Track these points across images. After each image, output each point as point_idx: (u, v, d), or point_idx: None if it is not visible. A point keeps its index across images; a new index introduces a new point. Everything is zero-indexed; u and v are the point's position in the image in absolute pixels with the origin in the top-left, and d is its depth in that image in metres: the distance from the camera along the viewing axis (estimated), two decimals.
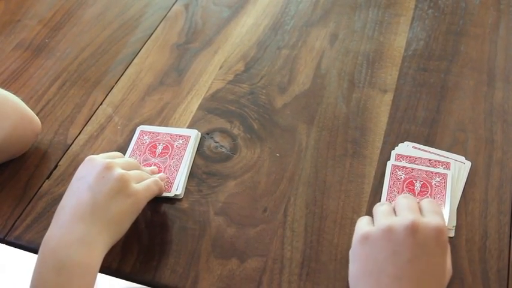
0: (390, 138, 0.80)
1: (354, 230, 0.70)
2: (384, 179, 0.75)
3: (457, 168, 0.75)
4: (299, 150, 0.79)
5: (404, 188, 0.73)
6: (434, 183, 0.73)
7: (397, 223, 0.59)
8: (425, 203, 0.64)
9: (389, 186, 0.74)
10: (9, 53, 0.93)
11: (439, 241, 0.59)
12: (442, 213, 0.63)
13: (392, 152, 0.77)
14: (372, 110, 0.84)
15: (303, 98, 0.86)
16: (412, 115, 0.83)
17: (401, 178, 0.74)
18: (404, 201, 0.63)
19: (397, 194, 0.73)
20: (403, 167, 0.75)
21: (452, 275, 0.66)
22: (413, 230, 0.58)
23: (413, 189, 0.73)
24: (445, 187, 0.73)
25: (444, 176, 0.74)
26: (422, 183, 0.74)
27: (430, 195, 0.72)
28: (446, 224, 0.68)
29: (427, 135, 0.80)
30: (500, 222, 0.71)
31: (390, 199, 0.72)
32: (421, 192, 0.73)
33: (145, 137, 0.80)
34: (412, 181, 0.74)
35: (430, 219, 0.60)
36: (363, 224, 0.63)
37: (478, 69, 0.90)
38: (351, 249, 0.62)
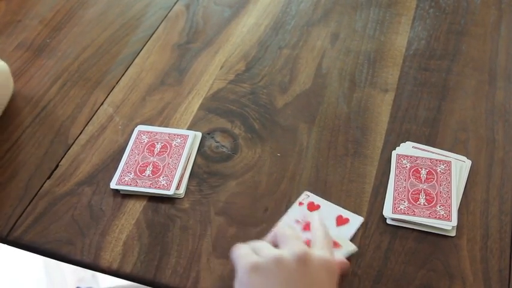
0: (391, 137, 0.80)
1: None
2: (385, 178, 0.75)
3: (458, 168, 0.75)
4: (300, 150, 0.79)
5: (411, 176, 0.74)
6: (440, 171, 0.74)
7: (287, 252, 0.58)
8: (315, 236, 0.63)
9: (396, 175, 0.74)
10: (11, 53, 0.93)
11: (329, 271, 0.59)
12: (330, 247, 0.62)
13: (393, 152, 0.77)
14: (373, 109, 0.84)
15: (304, 97, 0.86)
16: (413, 115, 0.83)
17: (406, 166, 0.75)
18: (290, 232, 0.62)
19: (404, 182, 0.73)
20: (407, 156, 0.76)
21: (454, 274, 0.66)
22: (304, 259, 0.57)
23: (420, 176, 0.74)
24: (450, 174, 0.73)
25: (448, 164, 0.75)
26: (427, 170, 0.74)
27: (436, 182, 0.73)
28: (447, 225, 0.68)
29: (428, 135, 0.80)
30: (501, 222, 0.71)
31: (398, 187, 0.73)
32: (427, 180, 0.73)
33: (144, 137, 0.80)
34: (417, 169, 0.74)
35: (319, 252, 0.59)
36: (246, 254, 0.59)
37: (479, 69, 0.89)
38: (237, 279, 0.58)
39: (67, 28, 0.98)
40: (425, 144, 0.79)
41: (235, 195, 0.74)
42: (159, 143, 0.79)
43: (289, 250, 0.58)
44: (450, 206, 0.71)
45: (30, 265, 1.55)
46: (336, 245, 0.66)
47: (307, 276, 0.57)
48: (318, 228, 0.64)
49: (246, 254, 0.59)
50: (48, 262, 1.53)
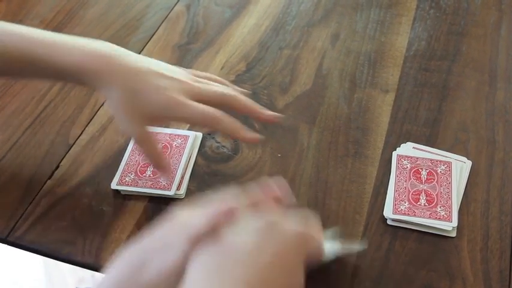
0: (392, 138, 0.80)
1: (355, 230, 0.70)
2: (386, 179, 0.75)
3: (459, 168, 0.75)
4: (300, 151, 0.79)
5: (411, 177, 0.74)
6: (440, 171, 0.74)
7: (263, 214, 0.55)
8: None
9: (396, 176, 0.74)
10: None
11: (298, 245, 0.56)
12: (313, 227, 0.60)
13: (394, 152, 0.77)
14: (374, 110, 0.84)
15: (305, 98, 0.86)
16: (414, 115, 0.83)
17: (407, 167, 0.75)
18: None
19: (404, 183, 0.73)
20: (408, 156, 0.76)
21: (454, 275, 0.66)
22: (275, 223, 0.54)
23: (420, 177, 0.74)
24: (450, 174, 0.74)
25: (449, 164, 0.75)
26: (428, 171, 0.74)
27: (437, 183, 0.73)
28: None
29: (428, 136, 0.80)
30: (501, 223, 0.71)
31: (398, 188, 0.73)
32: (428, 180, 0.74)
33: None
34: (418, 169, 0.74)
35: (294, 224, 0.56)
36: (227, 199, 0.56)
37: (479, 70, 0.89)
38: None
39: (68, 29, 0.98)
40: (426, 145, 0.79)
41: None
42: (160, 144, 0.79)
43: (264, 212, 0.55)
44: (451, 206, 0.71)
45: (29, 265, 1.55)
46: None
47: (270, 242, 0.53)
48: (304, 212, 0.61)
49: (227, 198, 0.56)
50: (47, 262, 1.53)
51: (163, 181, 0.74)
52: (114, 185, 0.74)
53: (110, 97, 0.67)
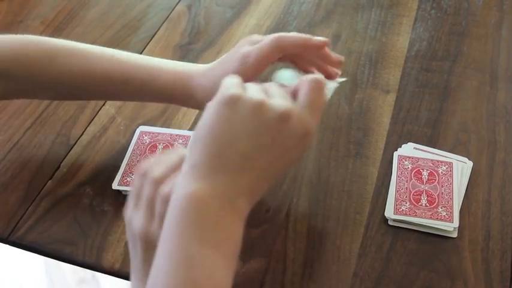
0: (393, 138, 0.80)
1: (356, 231, 0.70)
2: (387, 179, 0.75)
3: (460, 169, 0.75)
4: None
5: (412, 177, 0.74)
6: (441, 172, 0.74)
7: (273, 104, 0.52)
8: (305, 96, 0.55)
9: (398, 176, 0.74)
10: None
11: (304, 140, 0.53)
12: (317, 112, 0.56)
13: (395, 153, 0.77)
14: (375, 110, 0.84)
15: None
16: (415, 116, 0.83)
17: (408, 168, 0.75)
18: (276, 89, 0.55)
19: (405, 183, 0.73)
20: (409, 157, 0.76)
21: (455, 276, 0.66)
22: (288, 115, 0.52)
23: (421, 177, 0.74)
24: (451, 175, 0.74)
25: (450, 165, 0.75)
26: (429, 171, 0.74)
27: (438, 183, 0.73)
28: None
29: (429, 136, 0.80)
30: (503, 223, 0.71)
31: (399, 188, 0.73)
32: (429, 181, 0.74)
33: (146, 138, 0.80)
34: (419, 170, 0.74)
35: (303, 116, 0.53)
36: (233, 85, 0.53)
37: (480, 70, 0.89)
38: (212, 102, 0.52)
39: (69, 29, 0.98)
40: (427, 145, 0.79)
41: None
42: (161, 144, 0.79)
43: (277, 102, 0.52)
44: (452, 207, 0.71)
45: (30, 265, 1.55)
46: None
47: (281, 134, 0.52)
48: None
49: (233, 84, 0.53)
50: (48, 262, 1.53)
51: None
52: (115, 185, 0.74)
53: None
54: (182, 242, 0.47)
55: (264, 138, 0.51)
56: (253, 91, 0.53)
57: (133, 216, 0.55)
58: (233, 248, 0.49)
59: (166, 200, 0.52)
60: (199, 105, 0.67)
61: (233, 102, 0.51)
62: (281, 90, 0.55)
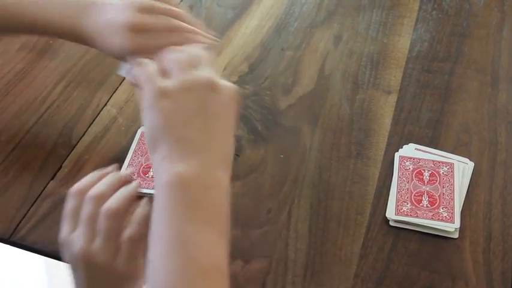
0: (394, 139, 0.80)
1: (358, 231, 0.70)
2: (388, 180, 0.75)
3: (461, 170, 0.75)
4: (303, 152, 0.79)
5: (414, 178, 0.74)
6: (442, 172, 0.74)
7: (197, 77, 0.53)
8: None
9: (399, 177, 0.74)
10: (14, 54, 0.93)
11: (235, 100, 0.55)
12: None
13: (396, 154, 0.78)
14: (376, 111, 0.84)
15: (307, 99, 0.86)
16: (416, 116, 0.83)
17: (409, 168, 0.75)
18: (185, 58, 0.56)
19: (406, 184, 0.73)
20: (410, 158, 0.76)
21: (457, 276, 0.66)
22: (214, 85, 0.53)
23: (422, 178, 0.74)
24: (452, 176, 0.74)
25: (451, 166, 0.75)
26: (430, 172, 0.74)
27: (439, 184, 0.73)
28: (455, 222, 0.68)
29: (431, 137, 0.80)
30: (504, 224, 0.71)
31: (400, 189, 0.73)
32: (430, 181, 0.74)
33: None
34: (420, 171, 0.74)
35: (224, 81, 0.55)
36: (153, 76, 0.53)
37: (482, 71, 0.89)
38: (145, 104, 0.53)
39: None
40: (428, 146, 0.79)
41: (239, 197, 0.74)
42: None
43: (198, 76, 0.54)
44: (453, 208, 0.71)
45: (31, 266, 1.55)
46: None
47: (218, 104, 0.53)
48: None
49: (152, 75, 0.54)
50: (49, 263, 1.53)
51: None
52: None
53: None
54: (176, 224, 0.48)
55: (208, 112, 0.52)
56: (175, 73, 0.54)
57: (71, 237, 0.56)
58: (224, 222, 0.51)
59: (111, 216, 0.55)
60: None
61: (165, 95, 0.52)
62: (187, 61, 0.55)
